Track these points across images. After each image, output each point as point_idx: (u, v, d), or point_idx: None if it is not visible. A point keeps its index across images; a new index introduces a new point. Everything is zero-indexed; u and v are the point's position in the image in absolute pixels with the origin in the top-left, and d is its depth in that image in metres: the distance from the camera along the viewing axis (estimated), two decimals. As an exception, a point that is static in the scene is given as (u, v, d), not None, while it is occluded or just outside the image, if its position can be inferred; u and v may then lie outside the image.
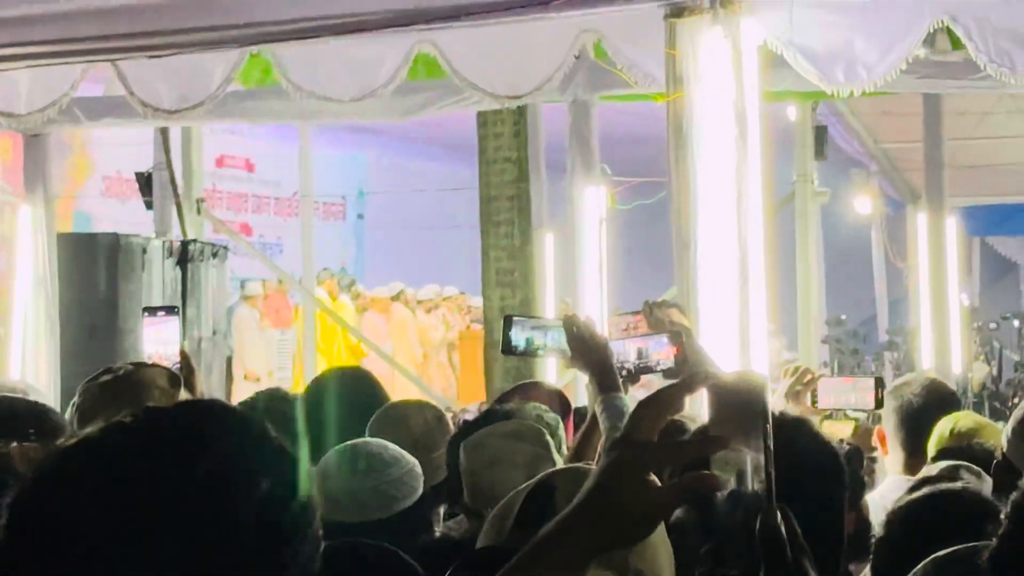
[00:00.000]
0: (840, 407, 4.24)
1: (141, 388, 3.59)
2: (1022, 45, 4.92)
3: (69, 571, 1.24)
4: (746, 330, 4.15)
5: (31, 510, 1.28)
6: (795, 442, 2.36)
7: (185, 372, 3.94)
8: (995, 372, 12.64)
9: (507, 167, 8.41)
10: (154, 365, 3.93)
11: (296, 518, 1.29)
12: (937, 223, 9.48)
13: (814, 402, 3.93)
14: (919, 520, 2.62)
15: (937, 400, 4.00)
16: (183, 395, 3.77)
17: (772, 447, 1.38)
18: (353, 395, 4.23)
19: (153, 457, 1.25)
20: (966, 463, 3.36)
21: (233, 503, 1.26)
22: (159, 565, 1.21)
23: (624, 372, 3.55)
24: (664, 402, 1.37)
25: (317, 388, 4.70)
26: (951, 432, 3.74)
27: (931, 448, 3.67)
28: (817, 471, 2.25)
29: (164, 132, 8.28)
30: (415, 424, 3.77)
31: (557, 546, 1.31)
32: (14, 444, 2.71)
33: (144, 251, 7.62)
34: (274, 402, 4.12)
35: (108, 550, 1.21)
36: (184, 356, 4.55)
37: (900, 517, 2.90)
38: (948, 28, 4.74)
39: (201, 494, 1.23)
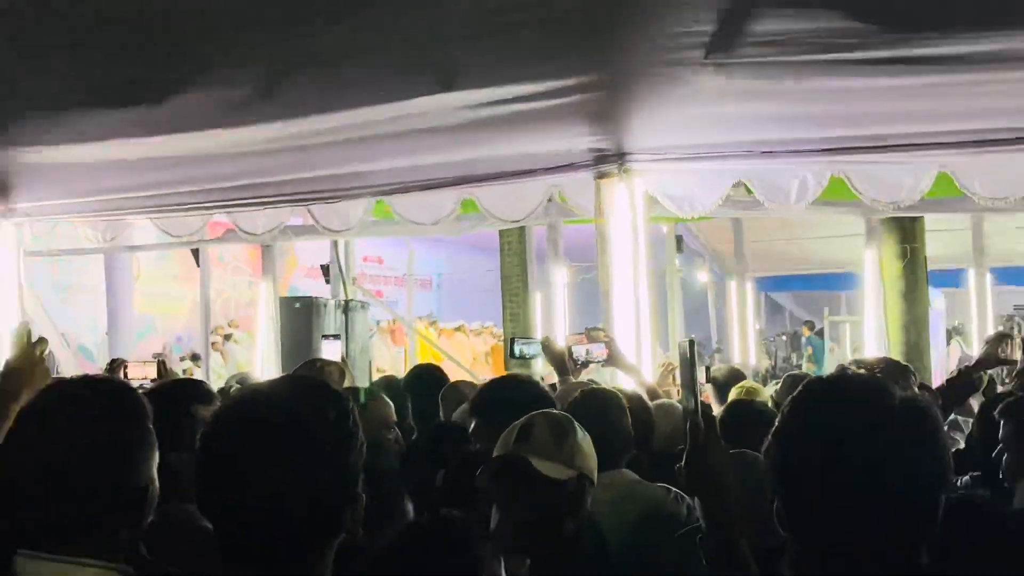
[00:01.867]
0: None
1: (325, 374, 4.98)
2: (786, 192, 6.12)
3: (253, 464, 1.70)
4: (639, 345, 5.55)
5: (224, 426, 1.79)
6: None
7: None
8: (772, 363, 19.40)
9: (515, 258, 12.30)
10: (332, 362, 5.47)
11: (356, 430, 1.81)
12: (741, 286, 13.46)
13: (674, 380, 5.72)
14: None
15: (735, 376, 5.77)
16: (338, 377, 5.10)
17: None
18: (430, 377, 5.60)
19: (302, 401, 1.79)
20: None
21: (344, 425, 1.78)
22: (317, 456, 1.72)
23: (579, 363, 5.34)
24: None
25: (413, 373, 6.04)
26: (742, 389, 5.31)
27: (731, 397, 5.15)
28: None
29: (335, 243, 10.82)
30: (465, 392, 4.74)
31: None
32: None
33: (324, 306, 9.92)
34: (391, 380, 6.21)
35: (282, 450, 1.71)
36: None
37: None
38: (745, 184, 6.09)
39: (334, 421, 1.76)
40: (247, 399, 1.89)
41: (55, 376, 2.85)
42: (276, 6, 4.96)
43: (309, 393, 1.83)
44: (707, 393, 5.67)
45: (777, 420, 1.94)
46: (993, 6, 4.38)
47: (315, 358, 5.80)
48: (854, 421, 1.84)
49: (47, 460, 1.99)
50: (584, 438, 2.93)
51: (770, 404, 4.82)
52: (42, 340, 2.61)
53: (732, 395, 5.19)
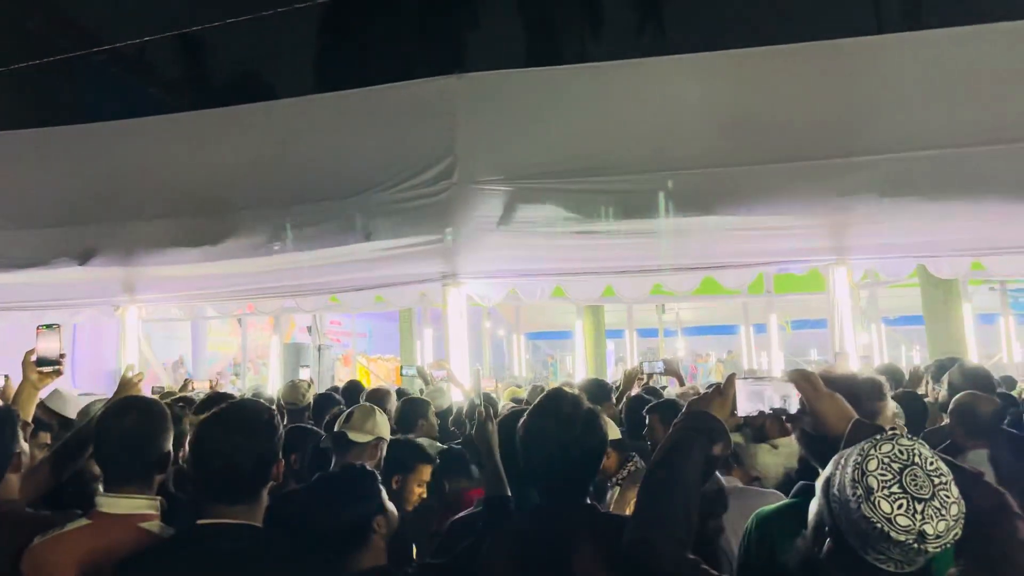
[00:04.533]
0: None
1: (298, 386, 5.26)
2: (534, 292, 6.67)
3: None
4: (463, 369, 5.79)
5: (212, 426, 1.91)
6: None
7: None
8: (533, 376, 16.16)
9: (407, 323, 12.34)
10: (303, 380, 5.57)
11: (278, 425, 1.99)
12: (519, 336, 13.86)
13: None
14: None
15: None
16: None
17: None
18: (357, 386, 5.86)
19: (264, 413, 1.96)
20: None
21: (271, 423, 1.97)
22: (256, 440, 1.90)
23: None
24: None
25: (347, 385, 6.07)
26: (512, 392, 5.99)
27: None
28: None
29: (314, 315, 11.28)
30: (377, 393, 4.84)
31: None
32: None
33: (307, 348, 10.76)
34: (336, 389, 6.10)
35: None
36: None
37: None
38: (514, 288, 6.64)
39: (266, 421, 1.95)
40: (223, 409, 2.02)
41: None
42: (275, 196, 5.88)
43: (253, 405, 2.07)
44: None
45: (524, 416, 2.11)
46: (620, 208, 5.37)
47: (293, 379, 6.18)
48: (561, 420, 2.01)
49: (118, 435, 2.19)
50: (381, 416, 3.27)
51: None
52: (139, 374, 2.92)
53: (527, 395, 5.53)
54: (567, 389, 2.44)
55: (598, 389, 4.72)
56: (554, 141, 5.63)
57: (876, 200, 4.96)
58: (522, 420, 2.08)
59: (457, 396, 5.80)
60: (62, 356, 2.76)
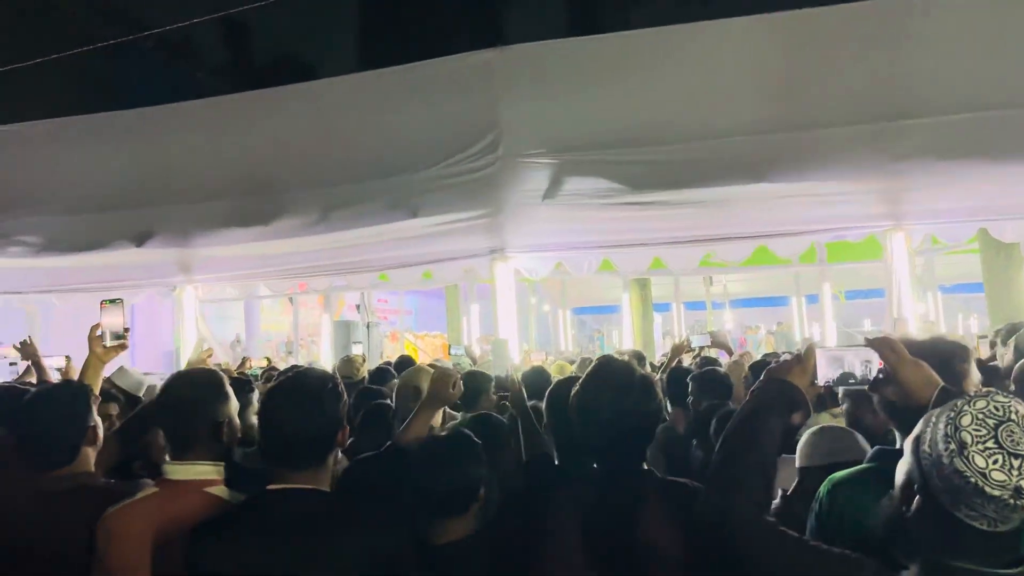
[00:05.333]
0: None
1: (353, 361, 5.75)
2: (581, 265, 6.56)
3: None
4: (510, 341, 5.69)
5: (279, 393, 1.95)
6: None
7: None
8: (579, 350, 16.15)
9: (453, 299, 13.13)
10: (357, 356, 5.96)
11: (342, 393, 2.02)
12: (564, 312, 14.46)
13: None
14: None
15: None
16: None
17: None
18: (407, 361, 5.95)
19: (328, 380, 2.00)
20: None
21: (335, 391, 1.99)
22: (320, 406, 1.94)
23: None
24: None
25: (399, 359, 6.27)
26: (560, 367, 5.89)
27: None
28: None
29: (363, 293, 11.56)
30: (421, 369, 4.18)
31: None
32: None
33: (356, 326, 10.92)
34: (389, 363, 6.20)
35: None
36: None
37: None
38: (560, 262, 6.55)
39: (330, 389, 1.98)
40: (288, 379, 2.07)
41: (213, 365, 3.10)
42: (323, 176, 5.88)
43: (318, 375, 2.08)
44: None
45: (577, 385, 2.15)
46: (671, 179, 5.33)
47: (348, 354, 6.41)
48: (616, 387, 2.03)
49: (178, 403, 2.28)
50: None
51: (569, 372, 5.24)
52: (208, 350, 3.02)
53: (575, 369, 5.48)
54: (616, 356, 2.44)
55: (635, 359, 4.70)
56: (599, 112, 5.53)
57: (933, 163, 4.80)
58: (575, 389, 2.10)
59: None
60: (126, 330, 2.80)
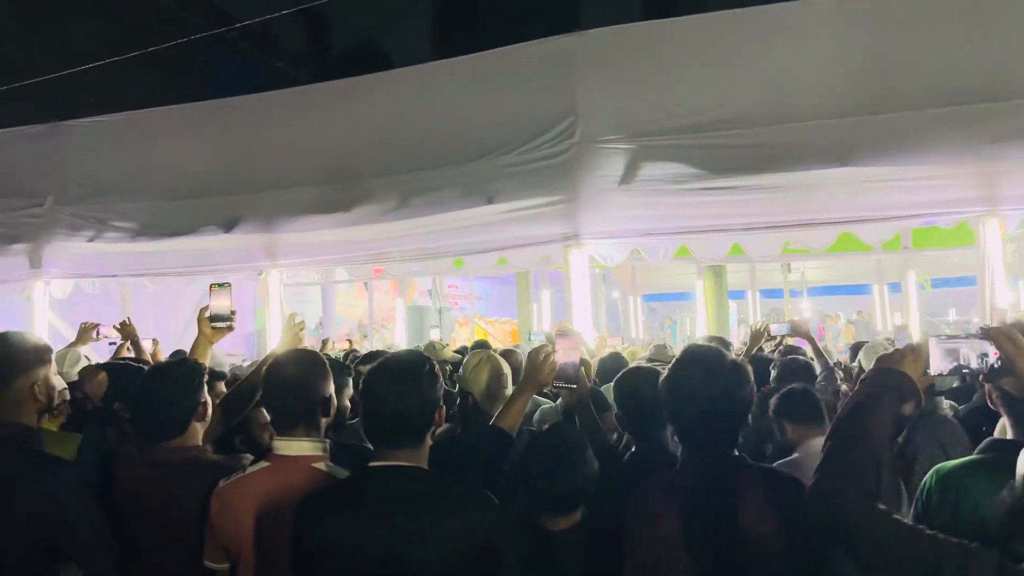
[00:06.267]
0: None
1: (436, 346, 5.74)
2: (656, 251, 6.40)
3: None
4: (584, 329, 5.40)
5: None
6: None
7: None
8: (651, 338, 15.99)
9: (524, 285, 12.39)
10: (438, 341, 6.01)
11: (438, 376, 2.04)
12: (634, 299, 13.96)
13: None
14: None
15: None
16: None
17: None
18: (486, 346, 5.74)
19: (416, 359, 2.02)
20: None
21: (432, 372, 2.01)
22: (419, 387, 1.95)
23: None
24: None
25: (476, 343, 6.45)
26: (633, 355, 5.60)
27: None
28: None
29: (435, 278, 11.79)
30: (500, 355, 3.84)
31: None
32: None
33: (431, 311, 11.05)
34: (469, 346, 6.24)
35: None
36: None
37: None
38: (637, 249, 6.07)
39: (428, 370, 1.99)
40: (388, 360, 2.08)
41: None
42: (401, 163, 5.93)
43: (416, 355, 2.11)
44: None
45: (667, 369, 2.11)
46: (752, 164, 5.18)
47: (432, 341, 6.38)
48: (707, 371, 2.00)
49: (283, 382, 2.29)
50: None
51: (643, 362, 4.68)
52: (301, 322, 2.86)
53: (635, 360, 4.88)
54: (705, 342, 2.43)
55: (721, 345, 4.54)
56: (678, 96, 5.46)
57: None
58: (664, 375, 2.08)
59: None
60: (233, 313, 2.82)
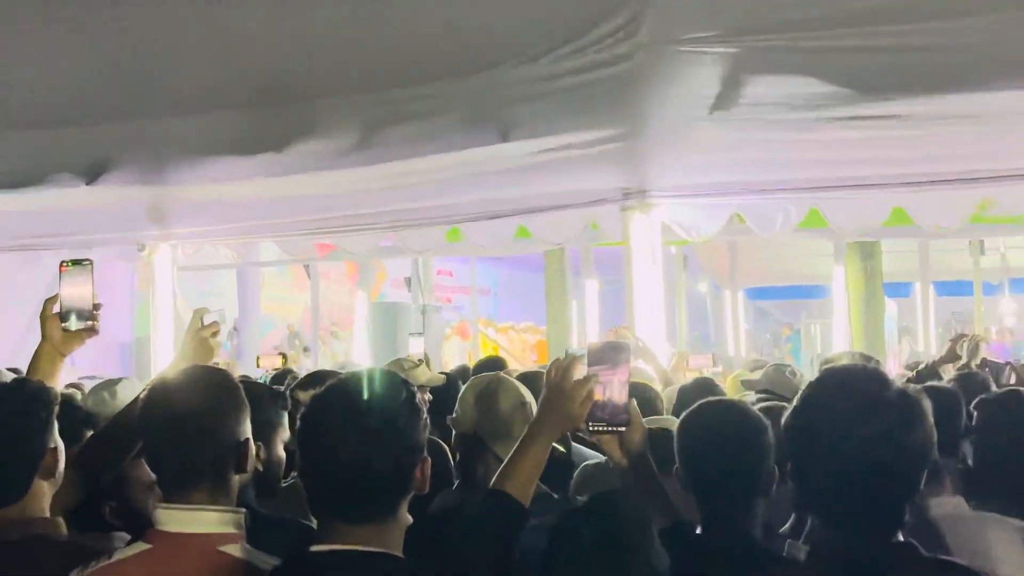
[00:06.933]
0: None
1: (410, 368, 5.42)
2: (773, 220, 6.46)
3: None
4: (654, 340, 5.73)
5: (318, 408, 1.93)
6: None
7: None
8: (759, 355, 19.05)
9: (556, 273, 12.51)
10: (416, 359, 5.66)
11: (421, 410, 1.98)
12: (734, 295, 14.45)
13: (687, 367, 5.88)
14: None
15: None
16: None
17: None
18: (495, 366, 5.63)
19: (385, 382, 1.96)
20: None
21: (412, 405, 1.91)
22: (392, 429, 1.86)
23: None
24: None
25: (480, 363, 6.49)
26: (734, 380, 5.71)
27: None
28: None
29: (416, 261, 11.94)
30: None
31: None
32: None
33: (408, 311, 11.25)
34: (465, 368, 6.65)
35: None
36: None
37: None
38: (739, 214, 6.47)
39: (404, 401, 1.89)
40: (342, 383, 2.00)
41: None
42: (368, 76, 5.43)
43: (386, 377, 2.00)
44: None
45: (796, 401, 1.97)
46: (930, 78, 4.63)
47: (400, 357, 6.01)
48: (860, 406, 1.85)
49: (174, 418, 2.16)
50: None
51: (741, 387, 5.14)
52: (213, 324, 2.75)
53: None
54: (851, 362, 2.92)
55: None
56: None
57: None
58: (788, 414, 1.96)
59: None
60: (96, 307, 2.68)
